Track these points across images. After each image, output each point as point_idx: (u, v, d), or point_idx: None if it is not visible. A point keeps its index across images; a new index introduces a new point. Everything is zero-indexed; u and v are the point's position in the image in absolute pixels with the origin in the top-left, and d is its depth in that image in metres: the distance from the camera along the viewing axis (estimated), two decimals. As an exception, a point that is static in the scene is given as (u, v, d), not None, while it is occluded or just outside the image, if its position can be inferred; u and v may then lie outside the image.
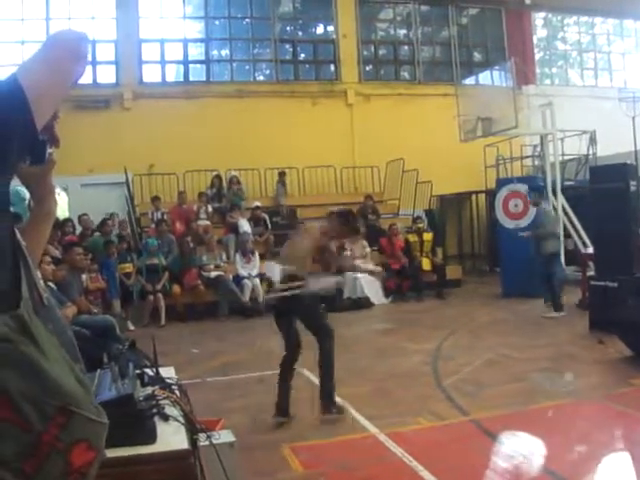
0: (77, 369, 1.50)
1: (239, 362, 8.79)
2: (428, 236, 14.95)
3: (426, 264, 14.54)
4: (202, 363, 8.78)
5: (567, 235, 14.73)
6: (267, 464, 4.91)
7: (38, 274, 1.59)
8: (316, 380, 6.22)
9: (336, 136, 18.01)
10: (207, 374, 8.00)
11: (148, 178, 16.38)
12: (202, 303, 13.14)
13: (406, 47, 20.51)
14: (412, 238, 14.89)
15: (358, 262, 6.61)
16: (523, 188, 13.73)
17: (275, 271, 5.96)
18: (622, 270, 8.92)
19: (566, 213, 14.64)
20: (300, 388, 6.48)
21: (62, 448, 1.36)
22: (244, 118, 17.03)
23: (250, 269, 13.48)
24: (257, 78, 19.36)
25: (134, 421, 2.28)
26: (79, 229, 13.74)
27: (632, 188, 9.50)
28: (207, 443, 2.67)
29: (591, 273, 10.69)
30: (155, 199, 15.28)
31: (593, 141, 17.80)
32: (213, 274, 13.21)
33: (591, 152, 17.82)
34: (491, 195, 16.29)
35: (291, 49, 19.49)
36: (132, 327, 11.95)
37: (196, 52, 18.60)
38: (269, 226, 15.24)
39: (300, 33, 20.12)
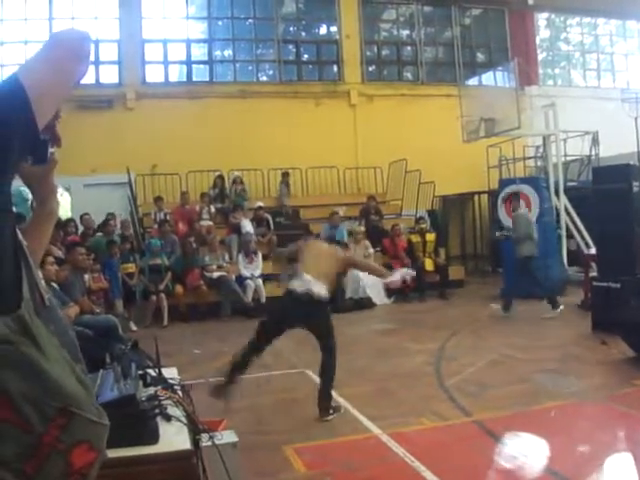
0: (78, 370, 1.50)
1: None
2: (431, 237, 14.94)
3: (429, 265, 14.53)
4: (204, 363, 8.76)
5: (570, 236, 14.75)
6: (270, 464, 4.91)
7: (40, 274, 1.58)
8: (315, 379, 6.21)
9: (339, 137, 18.02)
10: (209, 374, 7.98)
11: (151, 178, 16.40)
12: (204, 303, 13.14)
13: (409, 48, 20.49)
14: (415, 239, 14.89)
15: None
16: (526, 189, 13.72)
17: (319, 288, 5.99)
18: (625, 271, 8.91)
19: (569, 214, 14.65)
20: (303, 388, 6.49)
21: (63, 449, 1.36)
22: (247, 118, 17.05)
23: (253, 269, 13.48)
24: (260, 78, 19.36)
25: (136, 421, 2.28)
26: (81, 229, 13.76)
27: (635, 189, 9.47)
28: (210, 443, 2.67)
29: (594, 274, 10.68)
30: (158, 199, 15.29)
31: (596, 142, 17.79)
32: (215, 274, 13.21)
33: (594, 153, 17.82)
34: (494, 196, 16.28)
35: (294, 50, 19.50)
36: (134, 327, 11.95)
37: (199, 52, 18.62)
38: (272, 226, 15.24)
39: (303, 34, 20.11)
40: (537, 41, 21.37)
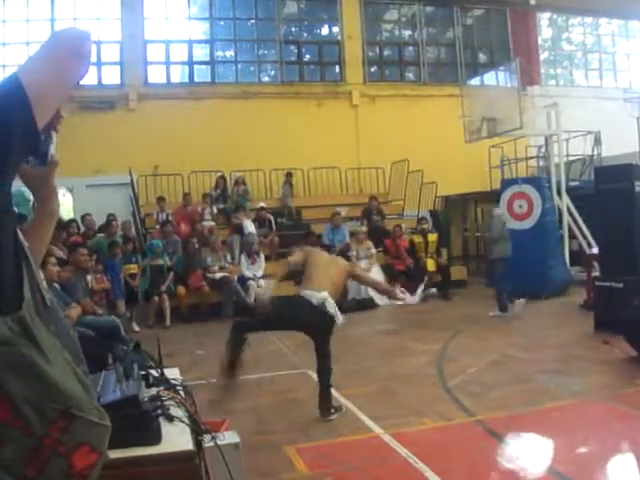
0: (79, 371, 1.49)
1: (243, 363, 8.78)
2: (433, 237, 14.94)
3: (431, 265, 14.52)
4: (207, 364, 8.76)
5: (572, 236, 14.74)
6: (272, 465, 4.91)
7: (41, 275, 1.58)
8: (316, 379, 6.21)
9: (341, 137, 18.03)
10: (212, 375, 7.99)
11: (153, 179, 16.41)
12: (207, 304, 13.14)
13: (411, 48, 20.51)
14: (417, 239, 14.88)
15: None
16: (528, 189, 13.73)
17: (333, 308, 6.07)
18: (627, 270, 8.92)
19: (571, 214, 14.65)
20: (304, 389, 6.49)
21: (64, 451, 1.35)
22: (249, 119, 17.06)
23: (255, 270, 13.48)
24: (262, 79, 19.37)
25: (139, 422, 2.28)
26: (83, 230, 13.77)
27: (637, 188, 9.46)
28: (212, 444, 2.67)
29: (596, 274, 10.68)
30: (160, 200, 15.29)
31: (598, 142, 17.78)
32: (218, 275, 13.21)
33: (596, 153, 17.80)
34: (496, 196, 16.27)
35: (296, 50, 19.51)
36: (137, 328, 11.95)
37: (201, 53, 18.64)
38: (274, 227, 15.25)
39: (305, 34, 20.12)
40: (539, 41, 21.37)
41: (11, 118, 1.35)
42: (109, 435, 1.47)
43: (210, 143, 16.48)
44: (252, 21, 19.11)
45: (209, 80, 18.29)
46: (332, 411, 5.96)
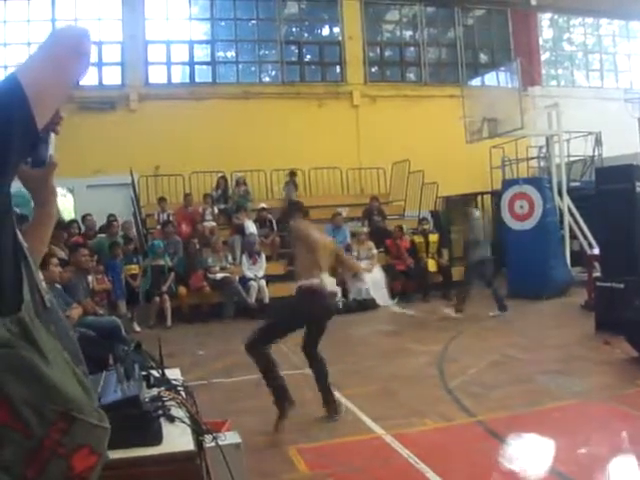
0: (79, 372, 1.49)
1: (245, 364, 8.77)
2: (434, 237, 14.94)
3: (432, 265, 14.52)
4: (208, 364, 8.78)
5: (573, 236, 14.73)
6: (273, 465, 4.91)
7: (40, 276, 1.57)
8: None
9: (342, 137, 18.02)
10: (213, 376, 8.00)
11: (154, 179, 16.42)
12: (208, 304, 13.16)
13: (412, 48, 20.51)
14: (418, 239, 14.88)
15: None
16: (529, 189, 13.72)
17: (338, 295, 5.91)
18: (628, 271, 8.93)
19: (572, 214, 14.64)
20: (305, 389, 6.48)
21: (64, 453, 1.35)
22: (250, 119, 17.06)
23: (256, 270, 13.48)
24: (263, 80, 19.37)
25: (140, 422, 2.28)
26: (84, 230, 13.79)
27: (638, 189, 9.47)
28: (213, 444, 2.67)
29: (597, 274, 10.67)
30: (161, 200, 15.30)
31: (599, 142, 17.79)
32: (219, 276, 13.21)
33: (597, 153, 17.82)
34: (497, 196, 16.29)
35: (297, 51, 19.51)
36: (138, 328, 11.96)
37: (202, 53, 18.64)
38: (275, 227, 15.25)
39: (306, 35, 20.12)
40: (540, 41, 21.36)
41: (10, 118, 1.34)
42: (108, 437, 1.47)
43: (211, 143, 16.48)
44: (253, 21, 19.13)
45: (210, 80, 18.29)
46: (338, 411, 5.96)
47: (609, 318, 8.61)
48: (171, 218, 14.73)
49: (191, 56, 18.30)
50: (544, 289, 12.76)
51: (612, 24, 22.76)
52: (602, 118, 17.57)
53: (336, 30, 19.82)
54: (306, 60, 19.74)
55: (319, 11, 20.19)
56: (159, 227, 14.46)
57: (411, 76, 20.38)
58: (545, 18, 21.92)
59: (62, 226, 12.81)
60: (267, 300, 13.05)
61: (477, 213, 12.48)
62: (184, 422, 2.50)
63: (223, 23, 18.88)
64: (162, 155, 16.14)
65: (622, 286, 8.87)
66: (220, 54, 18.97)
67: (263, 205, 15.67)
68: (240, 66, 19.00)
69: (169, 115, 16.56)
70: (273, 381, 5.73)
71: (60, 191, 16.10)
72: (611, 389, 6.50)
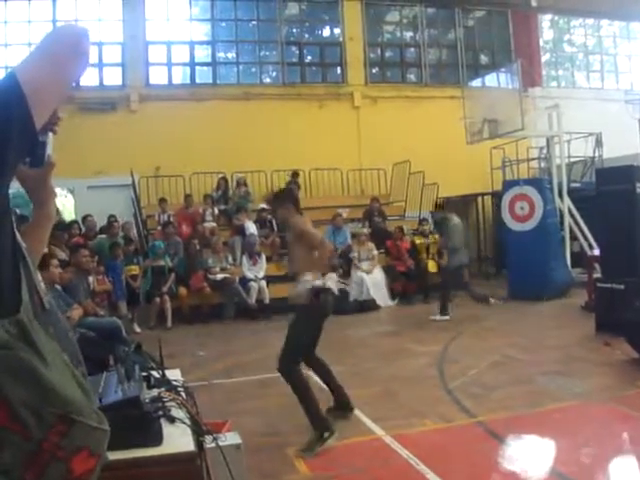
0: (78, 374, 1.48)
1: (245, 364, 8.80)
2: (434, 238, 14.93)
3: (432, 266, 14.51)
4: (208, 365, 8.79)
5: (573, 237, 14.74)
6: (273, 466, 4.91)
7: (39, 277, 1.57)
8: (319, 382, 6.19)
9: (342, 138, 18.02)
10: (213, 376, 8.01)
11: (154, 180, 16.43)
12: (208, 305, 13.16)
13: (412, 49, 20.52)
14: (418, 240, 14.89)
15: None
16: (530, 190, 13.71)
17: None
18: (629, 272, 8.92)
19: (572, 215, 14.64)
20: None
21: (63, 456, 1.34)
22: (250, 120, 17.06)
23: (256, 271, 13.48)
24: (263, 80, 19.38)
25: (140, 423, 2.28)
26: (85, 231, 13.81)
27: (638, 190, 9.46)
28: (213, 445, 2.67)
29: (597, 275, 10.67)
30: (161, 201, 15.30)
31: (599, 143, 17.81)
32: (219, 276, 13.21)
33: (597, 154, 17.83)
34: (497, 197, 16.29)
35: (297, 52, 19.52)
36: (138, 329, 11.97)
37: (202, 54, 18.65)
38: (275, 228, 15.25)
39: (307, 36, 20.14)
40: (541, 42, 21.37)
41: (8, 116, 1.34)
42: (108, 439, 1.47)
43: (211, 144, 16.48)
44: (253, 22, 19.13)
45: (210, 81, 18.30)
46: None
47: (609, 319, 8.60)
48: (171, 219, 14.73)
49: (192, 57, 18.31)
50: (544, 290, 12.75)
51: (613, 25, 22.77)
52: (602, 119, 17.58)
53: (337, 31, 19.83)
54: (307, 61, 19.75)
55: (320, 12, 20.21)
56: (159, 228, 14.47)
57: (412, 77, 20.39)
58: (546, 19, 21.93)
59: (63, 227, 12.83)
60: (267, 301, 13.06)
61: (456, 219, 12.45)
62: (184, 423, 2.51)
63: (224, 24, 18.90)
64: (163, 156, 16.14)
65: (622, 287, 8.86)
66: (221, 55, 18.98)
67: (263, 206, 15.66)
68: (241, 67, 19.00)
69: (170, 116, 16.56)
70: (311, 409, 5.45)
71: (61, 192, 16.14)
72: (611, 390, 6.50)
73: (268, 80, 19.59)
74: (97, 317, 9.09)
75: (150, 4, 17.84)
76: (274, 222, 15.23)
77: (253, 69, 19.40)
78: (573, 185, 16.32)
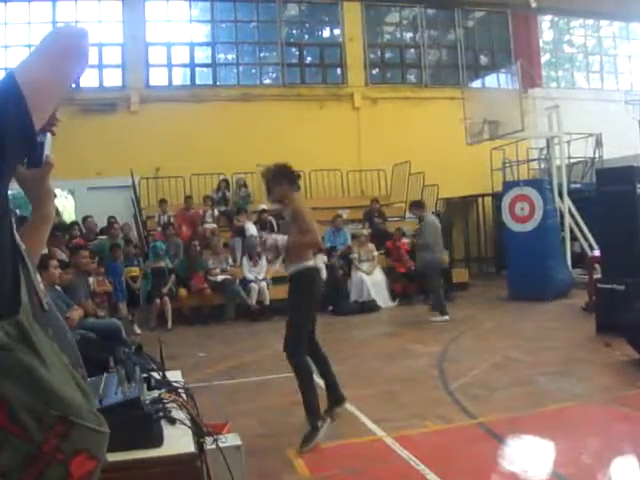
0: (78, 376, 1.48)
1: (246, 365, 8.80)
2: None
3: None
4: (209, 366, 8.78)
5: (574, 238, 14.74)
6: (273, 467, 4.91)
7: (38, 278, 1.56)
8: (319, 381, 6.19)
9: (343, 139, 18.03)
10: (214, 378, 8.00)
11: (155, 181, 16.44)
12: (209, 306, 13.16)
13: (412, 50, 20.52)
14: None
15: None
16: (530, 191, 13.71)
17: None
18: (629, 273, 8.91)
19: (572, 216, 14.65)
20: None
21: (62, 459, 1.34)
22: (250, 121, 17.06)
23: (257, 272, 13.48)
24: (264, 82, 19.40)
25: (141, 424, 2.28)
26: (85, 232, 13.81)
27: (638, 191, 9.47)
28: (214, 446, 2.66)
29: (598, 276, 10.66)
30: (162, 202, 15.30)
31: (599, 144, 17.81)
32: (220, 278, 13.21)
33: (597, 155, 17.84)
34: (498, 198, 16.29)
35: (297, 53, 19.54)
36: (138, 330, 11.97)
37: (203, 55, 18.67)
38: (275, 229, 15.23)
39: (307, 37, 20.15)
40: (540, 43, 21.38)
41: (7, 117, 1.33)
42: (107, 442, 1.46)
43: (211, 145, 16.48)
44: (253, 23, 19.13)
45: (210, 82, 18.31)
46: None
47: (610, 320, 8.60)
48: (172, 220, 14.73)
49: (192, 58, 18.32)
50: (545, 291, 12.75)
51: (612, 26, 22.78)
52: (602, 120, 17.59)
53: (337, 32, 19.84)
54: (307, 62, 19.76)
55: (319, 13, 20.22)
56: (159, 229, 14.48)
57: (412, 78, 20.39)
58: (545, 20, 21.94)
59: (63, 228, 12.84)
60: (268, 302, 13.05)
61: (431, 217, 12.45)
62: (185, 424, 2.50)
63: (224, 25, 18.90)
64: (163, 157, 16.15)
65: (623, 288, 8.85)
66: (221, 56, 18.98)
67: (263, 207, 15.64)
68: (241, 68, 19.01)
69: (170, 117, 16.56)
70: (309, 395, 5.50)
71: (61, 193, 16.15)
72: (612, 391, 6.49)
73: (268, 81, 19.62)
74: (97, 318, 9.09)
75: (150, 5, 17.88)
76: (274, 223, 15.23)
77: (253, 70, 19.40)
78: (573, 186, 16.33)
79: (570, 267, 14.31)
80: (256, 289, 13.16)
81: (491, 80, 18.62)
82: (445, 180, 16.74)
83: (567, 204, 14.63)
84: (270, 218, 15.31)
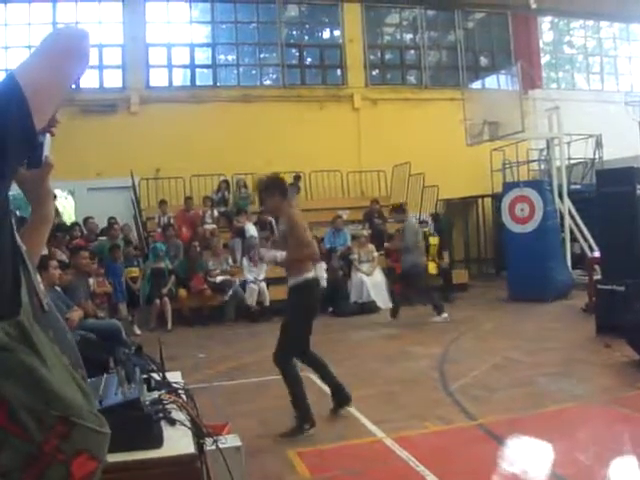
0: (78, 376, 1.47)
1: (246, 366, 8.80)
2: (434, 240, 14.93)
3: (432, 268, 14.47)
4: (209, 367, 8.78)
5: (574, 239, 14.74)
6: (273, 469, 4.91)
7: (38, 279, 1.56)
8: (320, 384, 6.20)
9: (342, 140, 18.02)
10: (214, 378, 8.00)
11: (155, 182, 16.43)
12: (209, 307, 13.16)
13: (412, 51, 20.52)
14: (419, 242, 14.89)
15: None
16: (530, 192, 13.70)
17: None
18: (629, 274, 8.91)
19: (572, 217, 14.65)
20: (307, 392, 6.47)
21: (63, 459, 1.34)
22: (250, 122, 17.06)
23: (257, 273, 13.48)
24: (264, 83, 19.41)
25: (141, 425, 2.28)
26: (86, 233, 13.82)
27: (639, 192, 9.47)
28: (214, 447, 2.66)
29: (598, 277, 10.66)
30: (162, 203, 15.31)
31: (599, 145, 17.81)
32: (219, 279, 13.21)
33: (597, 156, 17.84)
34: (497, 199, 16.29)
35: (298, 54, 19.53)
36: (138, 331, 11.97)
37: (203, 56, 18.66)
38: (275, 230, 15.23)
39: (307, 38, 20.15)
40: (540, 44, 21.37)
41: (9, 118, 1.32)
42: (108, 443, 1.46)
43: (211, 146, 16.48)
44: (254, 24, 19.14)
45: (211, 83, 18.31)
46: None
47: (610, 321, 8.60)
48: (172, 221, 14.72)
49: (192, 59, 18.32)
50: (545, 292, 12.74)
51: (612, 27, 22.77)
52: (603, 121, 17.58)
53: (337, 33, 19.84)
54: (307, 63, 19.75)
55: (320, 14, 20.23)
56: (159, 230, 14.48)
57: (412, 79, 20.39)
58: (545, 21, 21.95)
59: (64, 229, 12.85)
60: (268, 303, 13.05)
61: (412, 221, 12.51)
62: (185, 425, 2.50)
63: (224, 26, 18.90)
64: (163, 158, 16.14)
65: (623, 289, 8.85)
66: (221, 57, 18.98)
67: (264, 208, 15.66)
68: (241, 69, 19.00)
69: (170, 118, 16.55)
70: (300, 401, 5.69)
71: (61, 193, 16.15)
72: (612, 392, 6.49)
73: (268, 82, 19.62)
74: (97, 319, 9.09)
75: (150, 6, 17.87)
76: (274, 224, 15.22)
77: (253, 71, 19.39)
78: (573, 187, 16.32)
79: (570, 268, 14.31)
80: (256, 290, 13.16)
81: (491, 81, 18.64)
82: (445, 181, 16.74)
83: (567, 205, 14.63)
84: (270, 219, 15.31)
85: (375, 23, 20.07)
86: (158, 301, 12.50)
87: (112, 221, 13.86)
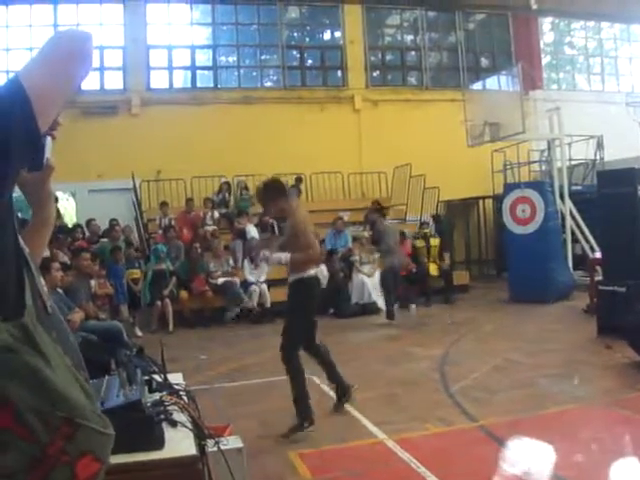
0: (81, 378, 1.47)
1: (247, 368, 8.80)
2: (435, 241, 14.94)
3: (433, 269, 14.51)
4: (210, 369, 8.78)
5: (575, 240, 14.73)
6: (275, 470, 4.91)
7: (42, 281, 1.56)
8: (322, 386, 6.20)
9: (343, 142, 18.02)
10: (215, 380, 8.00)
11: (155, 184, 16.43)
12: (210, 309, 13.15)
13: (413, 53, 20.53)
14: (419, 243, 14.88)
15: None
16: (531, 193, 13.70)
17: None
18: (630, 275, 8.90)
19: (574, 218, 14.64)
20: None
21: (68, 460, 1.33)
22: (251, 124, 17.06)
23: (258, 275, 13.47)
24: (264, 84, 19.41)
25: (142, 427, 2.28)
26: (88, 235, 13.84)
27: (640, 193, 9.48)
28: (215, 449, 2.67)
29: (599, 278, 10.66)
30: (163, 205, 15.30)
31: (600, 146, 17.79)
32: (220, 280, 13.21)
33: (598, 157, 17.82)
34: (498, 200, 16.28)
35: (298, 55, 19.54)
36: (140, 333, 11.96)
37: (203, 58, 18.67)
38: (276, 232, 15.24)
39: (307, 39, 20.16)
40: (541, 45, 21.37)
41: (13, 122, 1.32)
42: (112, 444, 1.47)
43: (212, 148, 16.48)
44: (254, 26, 19.15)
45: (211, 85, 18.33)
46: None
47: (611, 322, 8.59)
48: (173, 223, 14.73)
49: (193, 61, 18.33)
50: (546, 293, 12.73)
51: (613, 27, 22.76)
52: (604, 122, 17.57)
53: (337, 35, 19.84)
54: (307, 65, 19.76)
55: (320, 16, 20.23)
56: (160, 232, 14.49)
57: (412, 80, 20.40)
58: (546, 22, 21.94)
59: (66, 231, 12.86)
60: (269, 304, 13.05)
61: (386, 222, 12.58)
62: (186, 427, 2.50)
63: (225, 28, 18.92)
64: (164, 160, 16.15)
65: (624, 290, 8.85)
66: (222, 59, 18.99)
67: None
68: (242, 71, 19.02)
69: (171, 120, 16.57)
70: (301, 398, 5.74)
71: (62, 195, 16.15)
72: (613, 393, 6.49)
73: (269, 84, 19.64)
74: (98, 321, 9.09)
75: (151, 8, 17.87)
76: (275, 225, 15.23)
77: (254, 73, 19.40)
78: (574, 188, 16.31)
79: (571, 269, 14.31)
80: (257, 291, 13.16)
81: (492, 82, 18.63)
82: (446, 182, 16.73)
83: (568, 206, 14.62)
84: (271, 220, 15.32)
85: (376, 24, 20.09)
86: (159, 303, 12.50)
87: (113, 223, 13.86)
